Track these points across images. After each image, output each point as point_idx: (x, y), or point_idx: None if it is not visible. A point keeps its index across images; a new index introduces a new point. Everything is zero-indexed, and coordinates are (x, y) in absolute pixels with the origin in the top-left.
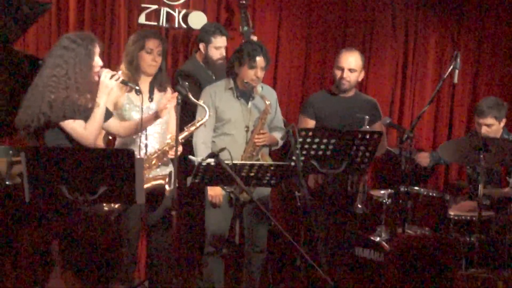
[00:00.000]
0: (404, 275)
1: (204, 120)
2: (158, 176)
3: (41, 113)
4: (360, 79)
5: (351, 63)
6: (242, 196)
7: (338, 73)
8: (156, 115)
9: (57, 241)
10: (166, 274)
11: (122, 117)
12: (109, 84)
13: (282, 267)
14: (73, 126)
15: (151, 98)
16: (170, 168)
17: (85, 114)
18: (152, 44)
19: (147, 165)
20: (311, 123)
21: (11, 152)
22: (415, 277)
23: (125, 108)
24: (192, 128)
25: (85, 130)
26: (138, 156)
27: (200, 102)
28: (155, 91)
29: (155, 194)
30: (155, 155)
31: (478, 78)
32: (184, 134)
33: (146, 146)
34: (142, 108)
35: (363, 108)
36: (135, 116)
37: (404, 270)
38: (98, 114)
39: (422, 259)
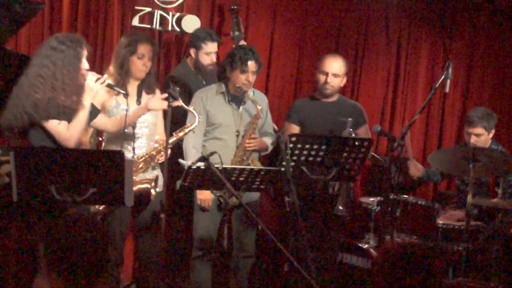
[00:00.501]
0: (390, 283)
1: (193, 126)
2: (144, 180)
3: (25, 112)
4: (342, 85)
5: (335, 68)
6: (231, 201)
7: (322, 78)
8: (144, 110)
9: (43, 241)
10: (154, 278)
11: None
12: (94, 87)
13: (270, 272)
14: (57, 127)
15: (138, 101)
16: (157, 172)
17: (69, 116)
18: (144, 49)
19: (134, 168)
20: (295, 129)
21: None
22: (401, 284)
23: (112, 111)
24: (181, 134)
25: (68, 132)
26: (130, 158)
27: (191, 108)
28: (143, 94)
29: (141, 198)
30: (143, 159)
31: (469, 88)
32: (173, 139)
33: (134, 149)
34: (128, 110)
35: (348, 113)
36: None
37: (391, 277)
38: (82, 116)
39: (409, 266)
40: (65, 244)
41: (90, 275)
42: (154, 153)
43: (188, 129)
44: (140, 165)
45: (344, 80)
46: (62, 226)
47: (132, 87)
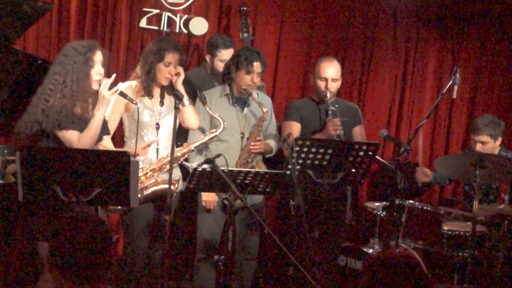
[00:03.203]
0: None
1: (218, 131)
2: (167, 180)
3: (36, 121)
4: (339, 86)
5: (333, 73)
6: (236, 203)
7: (321, 84)
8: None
9: (48, 241)
10: (157, 280)
11: (133, 119)
12: (106, 96)
13: (274, 276)
14: (68, 136)
15: (162, 103)
16: (179, 173)
17: (80, 125)
18: (172, 57)
19: (157, 167)
20: (297, 127)
21: (6, 151)
22: None
23: (135, 112)
24: (206, 139)
25: (79, 142)
26: (135, 159)
27: (216, 115)
28: (166, 95)
29: (162, 197)
30: (167, 159)
31: (476, 94)
32: (197, 143)
33: (157, 150)
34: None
35: (345, 113)
36: (146, 119)
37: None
38: (94, 126)
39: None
40: (69, 244)
41: (94, 275)
42: (179, 155)
43: (213, 134)
44: (164, 165)
45: (340, 81)
46: (67, 225)
47: (156, 89)
